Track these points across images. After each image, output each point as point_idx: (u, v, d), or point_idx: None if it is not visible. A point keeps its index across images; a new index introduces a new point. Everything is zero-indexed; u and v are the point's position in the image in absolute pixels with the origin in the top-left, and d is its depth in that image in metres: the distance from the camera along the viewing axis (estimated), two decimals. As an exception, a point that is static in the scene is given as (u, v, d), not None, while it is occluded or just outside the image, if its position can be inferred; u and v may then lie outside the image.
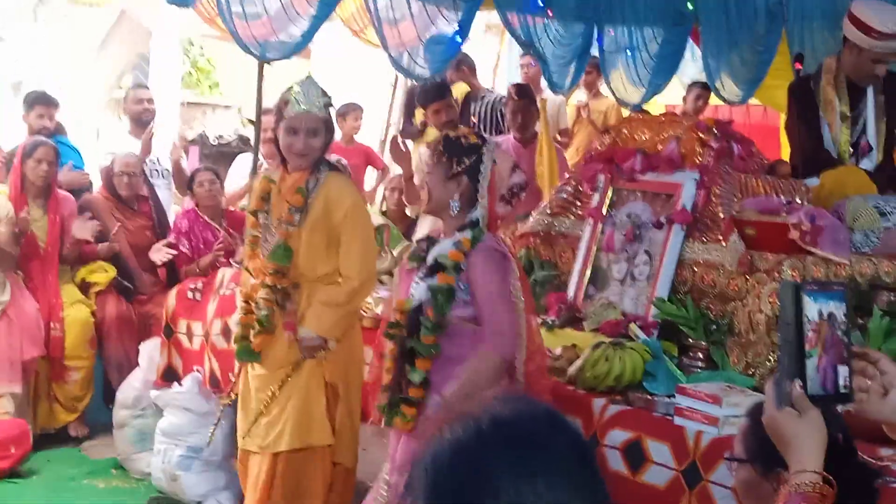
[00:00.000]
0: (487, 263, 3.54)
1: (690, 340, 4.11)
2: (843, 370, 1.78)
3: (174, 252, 6.31)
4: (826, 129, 4.84)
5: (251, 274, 4.39)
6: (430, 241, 3.73)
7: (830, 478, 1.72)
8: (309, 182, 4.24)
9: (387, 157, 9.32)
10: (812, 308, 1.76)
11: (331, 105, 4.30)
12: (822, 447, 1.75)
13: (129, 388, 5.68)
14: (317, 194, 4.23)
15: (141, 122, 7.24)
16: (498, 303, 3.52)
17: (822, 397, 1.77)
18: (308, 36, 5.17)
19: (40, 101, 7.11)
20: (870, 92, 4.81)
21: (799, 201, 4.31)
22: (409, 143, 7.38)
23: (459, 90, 7.78)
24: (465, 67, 7.88)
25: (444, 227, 3.70)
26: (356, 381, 4.39)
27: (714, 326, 4.07)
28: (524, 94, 6.79)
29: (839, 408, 1.92)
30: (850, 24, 4.74)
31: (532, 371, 3.67)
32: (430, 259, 3.63)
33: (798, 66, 5.53)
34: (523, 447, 1.28)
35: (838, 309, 1.78)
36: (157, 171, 7.16)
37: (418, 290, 3.61)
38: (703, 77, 7.31)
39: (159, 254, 6.32)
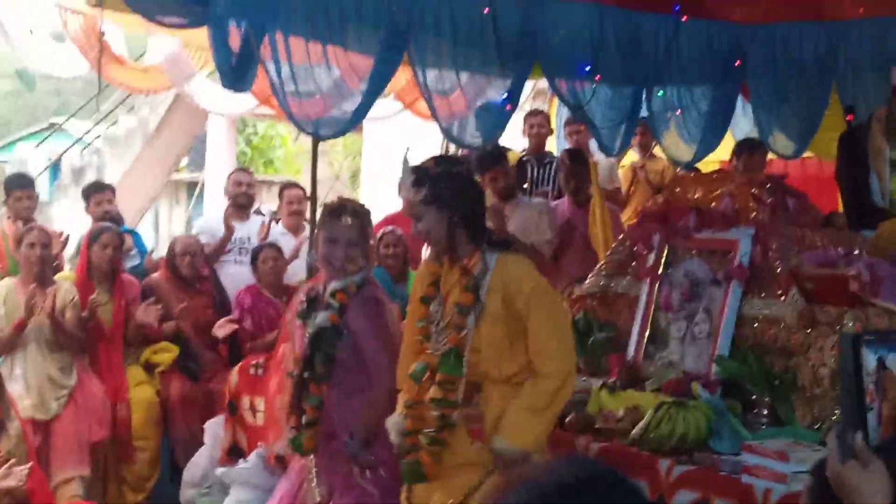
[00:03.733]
0: (365, 309, 4.15)
1: (754, 397, 4.08)
2: None
3: (236, 326, 6.39)
4: (875, 178, 4.81)
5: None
6: (310, 300, 4.25)
7: None
8: (476, 271, 3.72)
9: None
10: (871, 359, 1.77)
11: (428, 183, 3.73)
12: (889, 498, 1.74)
13: (196, 467, 5.73)
14: (490, 283, 3.69)
15: (238, 204, 7.43)
16: (374, 344, 4.13)
17: (885, 448, 1.76)
18: (361, 112, 5.25)
19: (94, 190, 7.41)
20: (923, 138, 4.79)
21: (857, 252, 4.28)
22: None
23: (512, 156, 7.84)
24: None
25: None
26: None
27: (777, 382, 4.03)
28: (577, 159, 6.86)
29: None
30: (899, 72, 4.74)
31: None
32: (330, 289, 4.18)
33: (849, 117, 5.51)
34: None
35: None
36: (244, 249, 7.27)
37: (319, 317, 4.15)
38: (755, 132, 7.27)
39: (222, 329, 6.40)
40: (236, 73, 4.78)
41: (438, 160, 3.94)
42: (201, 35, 4.96)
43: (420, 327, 3.83)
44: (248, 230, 7.38)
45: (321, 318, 4.16)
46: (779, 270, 4.20)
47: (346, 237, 4.19)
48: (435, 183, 3.72)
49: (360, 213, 4.31)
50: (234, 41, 4.77)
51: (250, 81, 4.85)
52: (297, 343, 4.31)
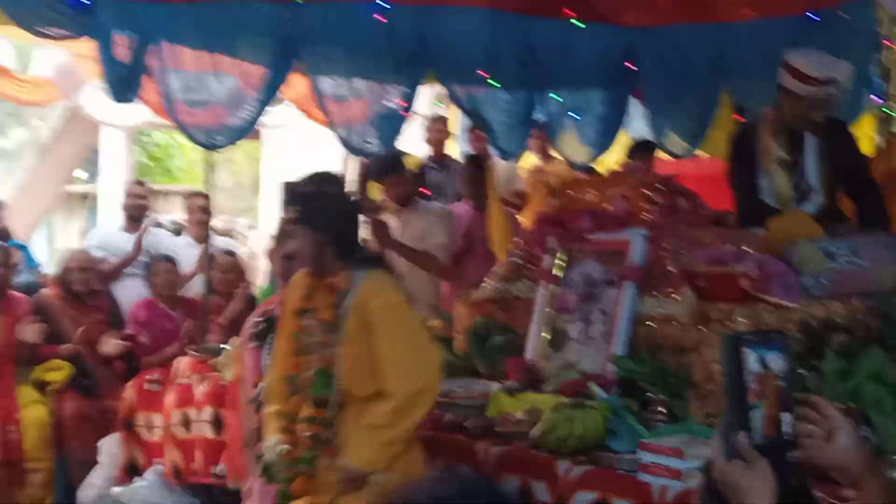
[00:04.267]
0: None
1: (651, 395, 4.11)
2: (786, 417, 1.81)
3: (125, 343, 6.26)
4: (763, 177, 4.90)
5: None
6: (268, 320, 4.06)
7: None
8: (342, 290, 3.74)
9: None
10: (752, 359, 1.79)
11: (299, 202, 3.76)
12: (773, 496, 1.76)
13: (91, 487, 5.60)
14: (352, 302, 3.71)
15: (133, 217, 7.32)
16: None
17: (768, 446, 1.78)
18: (252, 121, 5.20)
19: None
20: (809, 137, 4.89)
21: (747, 250, 4.35)
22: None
23: (412, 161, 7.85)
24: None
25: None
26: None
27: (673, 379, 4.07)
28: (476, 164, 6.90)
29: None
30: (786, 72, 4.83)
31: None
32: None
33: (738, 118, 5.61)
34: None
35: (778, 357, 1.81)
36: (138, 261, 7.15)
37: None
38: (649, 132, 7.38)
39: (108, 346, 6.26)
40: (123, 84, 4.69)
41: (311, 178, 3.89)
42: (90, 45, 4.86)
43: (295, 340, 3.81)
44: (144, 243, 7.26)
45: None
46: (671, 269, 4.25)
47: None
48: (306, 202, 3.73)
49: None
50: (121, 52, 4.69)
51: (136, 92, 4.77)
52: (250, 367, 4.15)
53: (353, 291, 3.69)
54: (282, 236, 4.19)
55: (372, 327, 3.66)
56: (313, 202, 3.74)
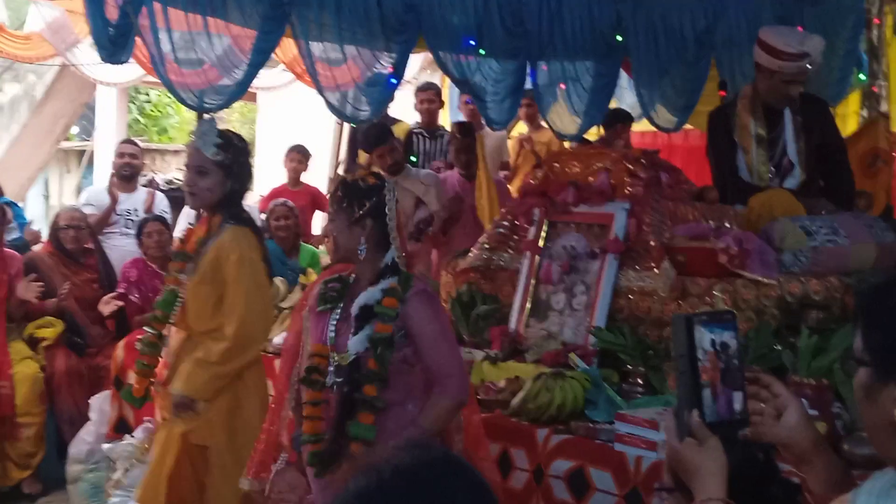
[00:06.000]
0: (425, 308, 3.40)
1: (629, 367, 4.19)
2: (738, 396, 1.85)
3: (121, 303, 6.33)
4: (741, 155, 4.96)
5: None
6: (342, 281, 3.53)
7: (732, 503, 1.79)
8: (210, 232, 4.13)
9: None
10: (705, 338, 1.83)
11: (230, 151, 4.08)
12: (724, 473, 1.81)
13: (82, 443, 5.68)
14: (210, 246, 4.08)
15: (122, 175, 7.35)
16: (444, 346, 3.41)
17: (720, 424, 1.83)
18: (243, 84, 5.21)
19: None
20: (787, 113, 4.95)
21: (727, 225, 4.42)
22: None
23: (401, 129, 7.87)
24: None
25: (358, 272, 3.50)
26: (241, 443, 4.02)
27: (651, 352, 4.15)
28: (467, 133, 6.91)
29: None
30: (760, 49, 4.90)
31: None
32: (355, 309, 3.38)
33: (722, 93, 5.65)
34: (423, 495, 1.34)
35: (730, 337, 1.85)
36: (130, 221, 7.21)
37: (354, 342, 3.35)
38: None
39: (108, 306, 6.34)
40: (114, 44, 4.71)
41: (237, 135, 4.29)
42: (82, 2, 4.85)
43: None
44: (135, 202, 7.31)
45: (366, 331, 3.36)
46: (652, 243, 4.32)
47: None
48: (236, 153, 4.12)
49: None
50: (111, 12, 4.70)
51: (129, 53, 4.78)
52: (315, 332, 3.52)
53: (216, 236, 4.08)
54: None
55: (225, 276, 4.03)
56: (241, 157, 4.16)
